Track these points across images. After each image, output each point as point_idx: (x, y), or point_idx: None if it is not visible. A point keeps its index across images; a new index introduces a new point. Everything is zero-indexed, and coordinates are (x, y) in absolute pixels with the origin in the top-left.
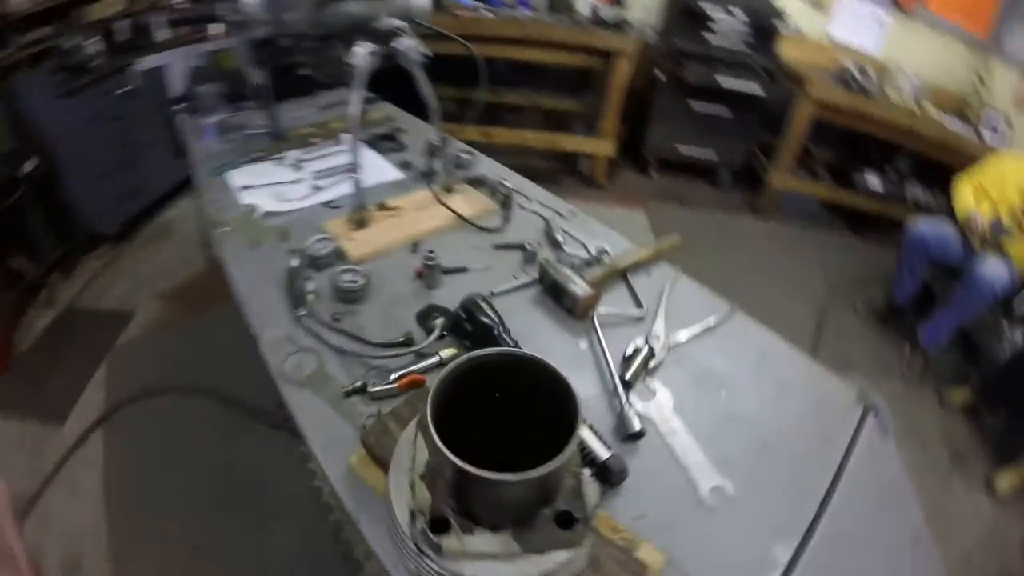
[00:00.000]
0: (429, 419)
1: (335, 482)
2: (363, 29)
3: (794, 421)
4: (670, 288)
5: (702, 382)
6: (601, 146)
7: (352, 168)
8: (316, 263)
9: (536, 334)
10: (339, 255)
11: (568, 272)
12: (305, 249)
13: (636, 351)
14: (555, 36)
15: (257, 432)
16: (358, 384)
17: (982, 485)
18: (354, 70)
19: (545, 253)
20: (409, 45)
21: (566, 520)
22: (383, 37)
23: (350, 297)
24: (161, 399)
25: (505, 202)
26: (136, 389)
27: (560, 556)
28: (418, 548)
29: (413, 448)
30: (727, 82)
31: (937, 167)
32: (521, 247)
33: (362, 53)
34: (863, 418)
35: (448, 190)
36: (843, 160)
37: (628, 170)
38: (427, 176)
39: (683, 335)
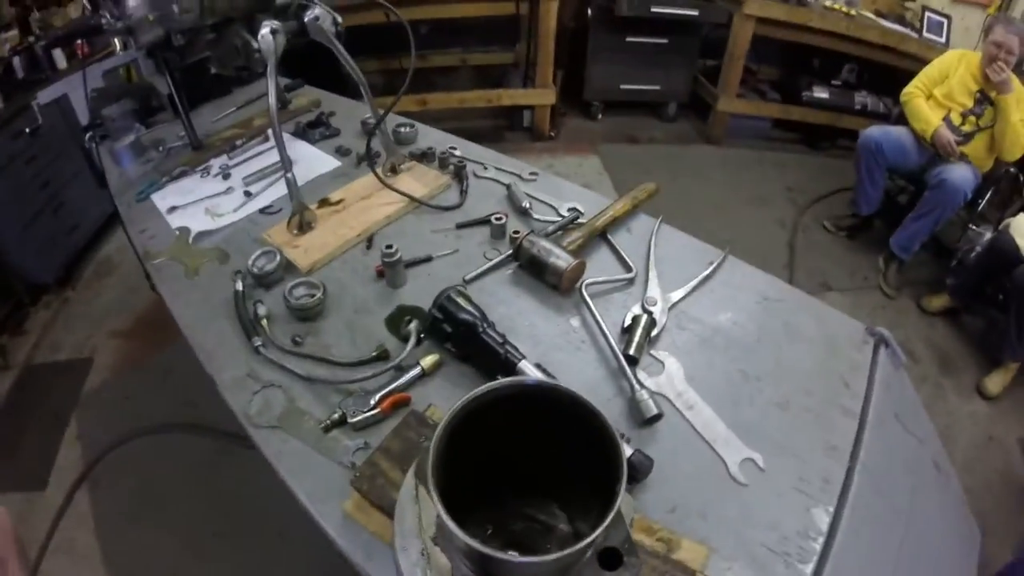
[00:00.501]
0: (434, 493)
1: (333, 534)
2: (264, 6)
3: (809, 369)
4: (655, 242)
5: (709, 342)
6: (542, 96)
7: (283, 165)
8: (263, 282)
9: (522, 320)
10: (287, 268)
11: (545, 244)
12: (248, 268)
13: (635, 320)
14: None
15: (243, 456)
16: (336, 416)
17: (973, 390)
18: (263, 54)
19: (514, 224)
20: (321, 15)
21: (613, 559)
22: (289, 12)
23: (308, 314)
24: (138, 441)
25: (459, 173)
26: (110, 438)
27: None
28: None
29: (416, 505)
30: (661, 10)
31: (882, 72)
32: (486, 221)
33: (268, 33)
34: (875, 353)
35: (394, 171)
36: (788, 76)
37: (573, 116)
38: (368, 159)
39: (679, 293)
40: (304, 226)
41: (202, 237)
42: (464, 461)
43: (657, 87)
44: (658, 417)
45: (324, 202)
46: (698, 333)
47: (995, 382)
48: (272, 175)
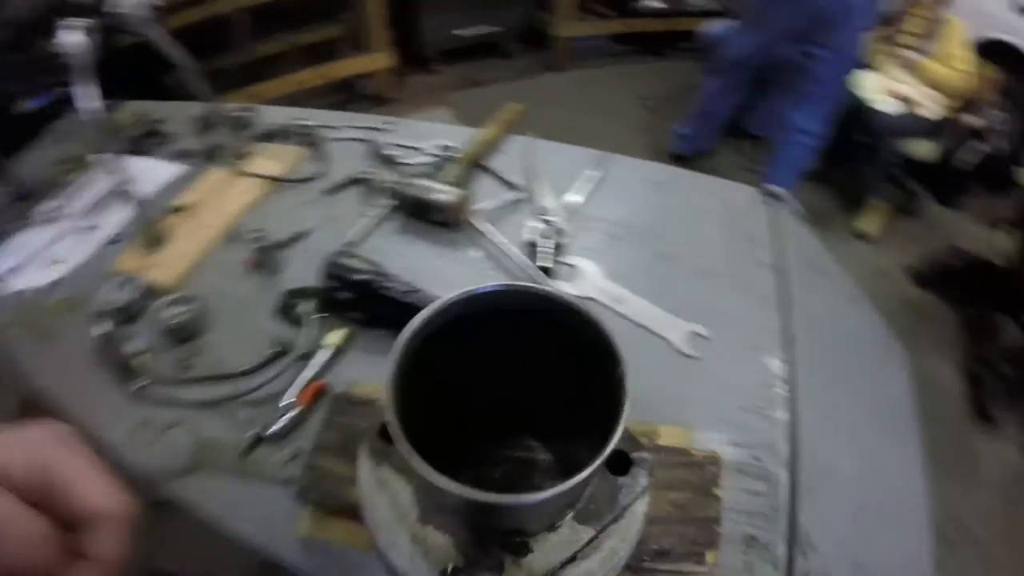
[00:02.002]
0: (415, 458)
1: (297, 563)
2: (62, 8)
3: (717, 237)
4: (534, 157)
5: (617, 237)
6: (378, 60)
7: (118, 184)
8: (125, 316)
9: (421, 265)
10: (149, 292)
11: (424, 183)
12: (106, 305)
13: (535, 233)
14: None
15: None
16: (252, 434)
17: (850, 236)
18: (72, 59)
19: (384, 175)
20: (131, 2)
21: (621, 463)
22: (92, 9)
23: (187, 333)
24: None
25: (312, 142)
26: None
27: (638, 509)
28: None
29: (384, 492)
30: None
31: None
32: (354, 181)
33: (74, 34)
34: (773, 208)
35: (241, 157)
36: None
37: (414, 74)
38: (212, 153)
39: (575, 197)
40: (156, 241)
41: (47, 291)
42: (421, 410)
43: (493, 27)
44: None
45: (175, 210)
46: (604, 231)
47: (869, 222)
48: (111, 202)
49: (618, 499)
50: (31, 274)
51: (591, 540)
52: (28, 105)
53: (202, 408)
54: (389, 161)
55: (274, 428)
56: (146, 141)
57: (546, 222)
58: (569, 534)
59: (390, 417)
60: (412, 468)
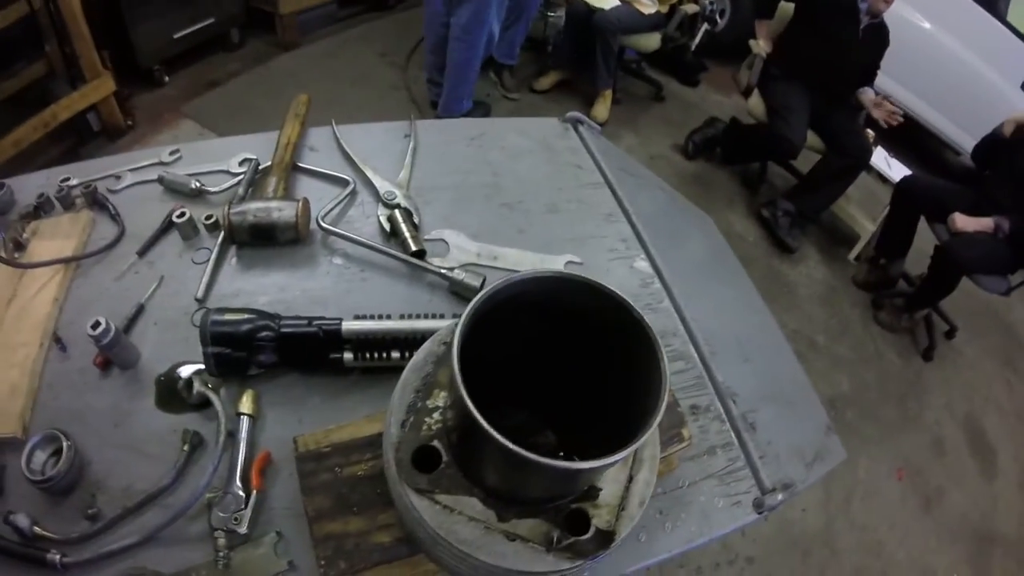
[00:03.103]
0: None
1: None
2: None
3: (546, 172)
4: (346, 143)
5: (461, 198)
6: (98, 88)
7: None
8: None
9: (290, 294)
10: None
11: (255, 205)
12: None
13: (390, 219)
14: None
15: None
16: (221, 542)
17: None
18: None
19: (200, 211)
20: None
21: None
22: None
23: (72, 477)
24: None
25: (95, 201)
26: None
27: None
28: (594, 556)
29: (450, 514)
30: None
31: None
32: (168, 227)
33: None
34: (579, 132)
35: (19, 246)
36: None
37: (141, 93)
38: None
39: (403, 174)
40: None
41: None
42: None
43: (211, 19)
44: (484, 282)
45: None
46: (446, 197)
47: (599, 110)
48: None
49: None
50: None
51: (634, 458)
52: None
53: (142, 549)
54: (197, 194)
55: (242, 528)
56: None
57: (392, 206)
58: (617, 464)
59: (466, 398)
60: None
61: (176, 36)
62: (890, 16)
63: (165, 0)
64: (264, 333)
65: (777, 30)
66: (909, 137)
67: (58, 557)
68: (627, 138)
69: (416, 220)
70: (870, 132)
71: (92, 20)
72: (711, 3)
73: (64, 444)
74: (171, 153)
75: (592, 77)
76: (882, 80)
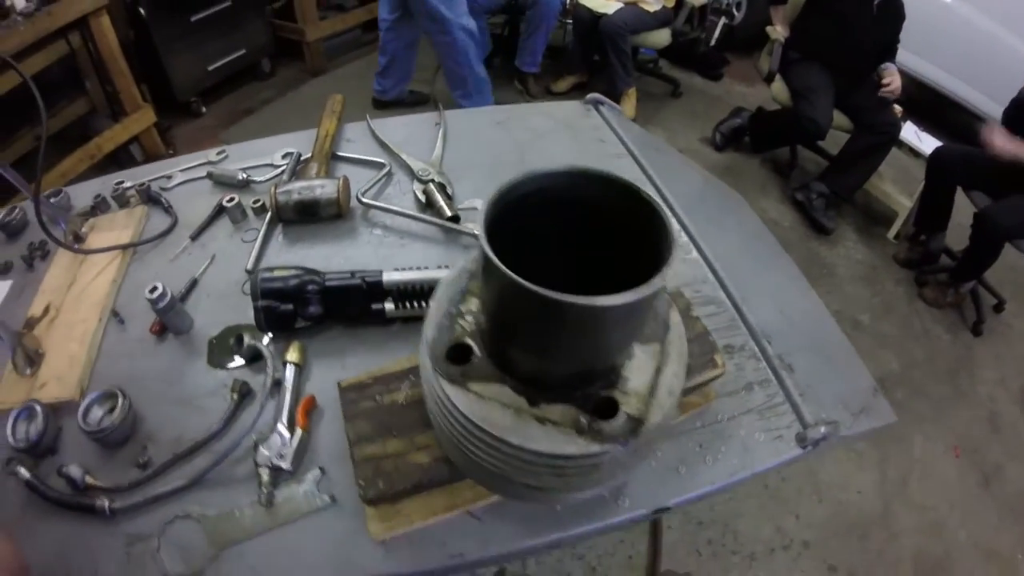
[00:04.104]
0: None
1: (394, 572)
2: None
3: (570, 147)
4: (381, 131)
5: (492, 174)
6: (139, 120)
7: None
8: (43, 449)
9: (333, 260)
10: (53, 411)
11: (299, 184)
12: (14, 449)
13: (426, 192)
14: (16, 43)
15: None
16: (266, 479)
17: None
18: None
19: (247, 199)
20: None
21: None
22: None
23: (125, 429)
24: None
25: (149, 197)
26: None
27: (674, 317)
28: (623, 444)
29: (484, 402)
30: None
31: None
32: (218, 213)
33: None
34: (600, 113)
35: (78, 239)
36: None
37: (182, 123)
38: (41, 248)
39: (436, 152)
40: (34, 357)
41: None
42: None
43: (242, 51)
44: None
45: (30, 322)
46: (479, 173)
47: (626, 109)
48: None
49: (658, 315)
50: None
51: (662, 351)
52: None
53: (188, 492)
54: (243, 185)
55: (286, 463)
56: None
57: (426, 180)
58: (644, 356)
59: (488, 249)
60: (494, 379)
61: (210, 68)
62: None
63: (198, 35)
64: (310, 286)
65: (792, 14)
66: (937, 110)
67: (107, 503)
68: (655, 135)
69: (450, 192)
70: (897, 107)
71: (130, 57)
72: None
73: (119, 399)
74: (218, 153)
75: (610, 79)
76: (903, 55)
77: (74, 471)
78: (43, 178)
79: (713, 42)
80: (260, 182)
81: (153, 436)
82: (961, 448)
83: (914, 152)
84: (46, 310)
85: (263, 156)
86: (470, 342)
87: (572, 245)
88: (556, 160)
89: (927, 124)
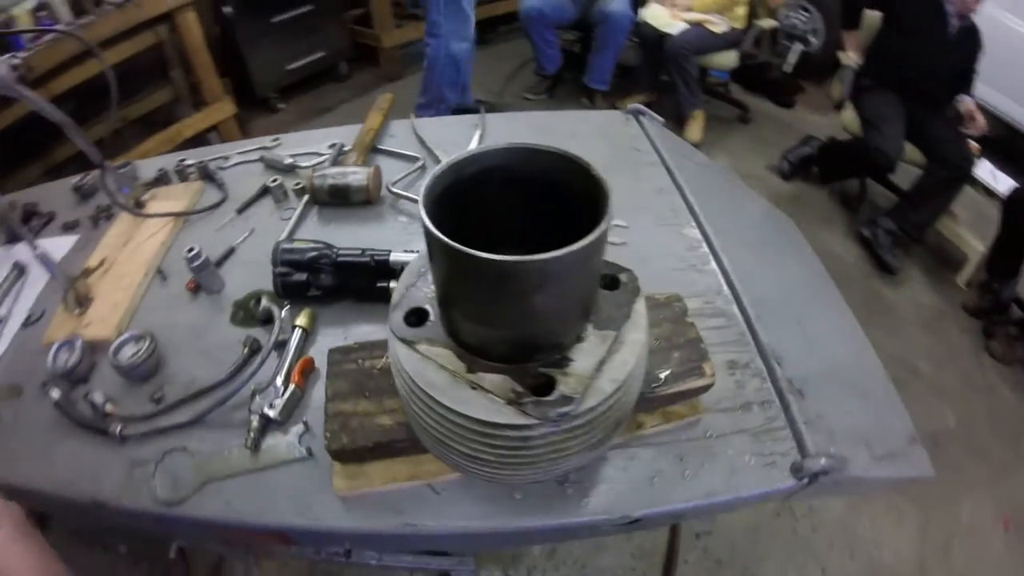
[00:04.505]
0: (444, 240)
1: (348, 529)
2: None
3: (605, 152)
4: (421, 131)
5: None
6: (219, 111)
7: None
8: (77, 376)
9: (354, 239)
10: (92, 348)
11: (334, 170)
12: (51, 375)
13: None
14: (109, 30)
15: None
16: (255, 425)
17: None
18: None
19: (289, 182)
20: None
21: (612, 282)
22: None
23: (148, 367)
24: None
25: (205, 174)
26: None
27: (639, 307)
28: (555, 423)
29: (428, 363)
30: None
31: None
32: (263, 192)
33: None
34: (640, 122)
35: (139, 205)
36: None
37: (257, 117)
38: (107, 210)
39: (474, 146)
40: (83, 300)
41: None
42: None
43: (321, 53)
44: None
45: (86, 272)
46: None
47: (693, 131)
48: (11, 288)
49: (621, 304)
50: None
51: (615, 338)
52: None
53: (189, 428)
54: (289, 169)
55: (275, 412)
56: (28, 225)
57: None
58: (596, 340)
59: (428, 221)
60: (450, 326)
61: (289, 68)
62: (985, 20)
63: (278, 36)
64: (323, 260)
65: (866, 40)
66: (1015, 148)
67: (119, 429)
68: (719, 159)
69: None
70: (972, 143)
71: (214, 51)
72: (803, 23)
73: (147, 342)
74: (273, 140)
75: (676, 100)
76: (981, 88)
77: (97, 397)
78: (125, 155)
79: (788, 68)
80: (304, 167)
81: (171, 378)
82: (1013, 520)
83: (989, 192)
84: (101, 262)
85: (312, 145)
86: (428, 308)
87: (531, 223)
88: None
89: (1004, 163)
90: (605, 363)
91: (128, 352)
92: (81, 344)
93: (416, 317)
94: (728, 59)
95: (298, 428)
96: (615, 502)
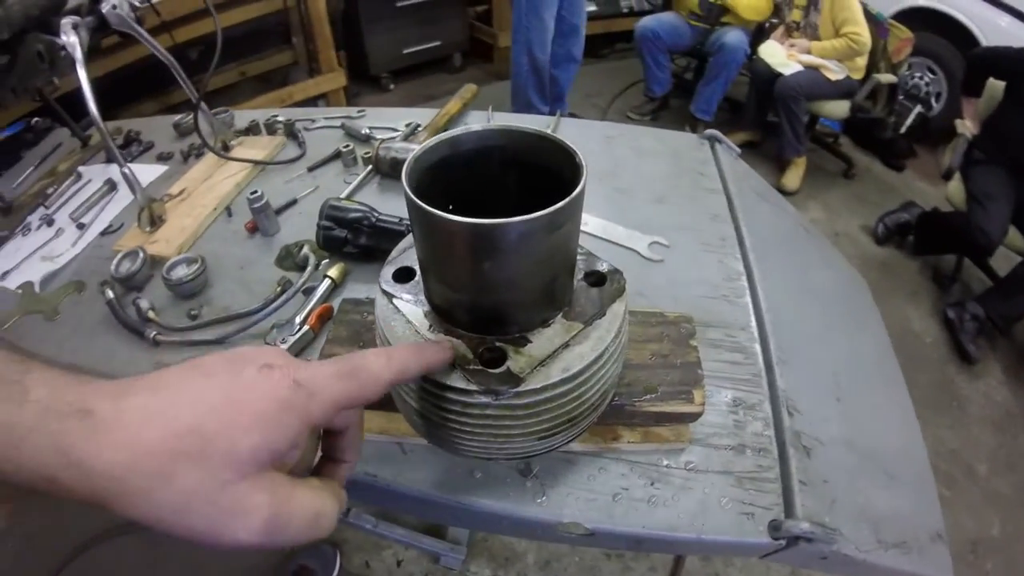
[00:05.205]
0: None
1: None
2: (57, 8)
3: (668, 172)
4: (490, 120)
5: None
6: (331, 81)
7: (105, 186)
8: (132, 283)
9: (401, 211)
10: (152, 262)
11: (400, 145)
12: (112, 276)
13: None
14: None
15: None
16: None
17: (805, 203)
18: (69, 50)
19: (361, 149)
20: (118, 2)
21: (598, 278)
22: (83, 9)
23: (194, 287)
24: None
25: (290, 131)
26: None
27: (617, 309)
28: (494, 396)
29: (398, 315)
30: None
31: None
32: (336, 155)
33: (71, 28)
34: (714, 150)
35: (225, 148)
36: None
37: (367, 94)
38: (195, 150)
39: None
40: (156, 220)
41: (49, 281)
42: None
43: (438, 42)
44: None
45: (166, 197)
46: None
47: (790, 178)
48: (100, 200)
49: (600, 302)
50: (28, 272)
51: (580, 331)
52: (2, 133)
53: (213, 345)
54: (365, 139)
55: (287, 345)
56: (127, 149)
57: None
58: (561, 328)
59: (408, 186)
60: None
61: (405, 51)
62: None
63: (400, 20)
64: (364, 221)
65: (985, 111)
66: None
67: (154, 334)
68: (814, 210)
69: None
70: None
71: (335, 25)
72: (926, 84)
73: (199, 264)
74: (358, 111)
75: (779, 143)
76: None
77: (144, 304)
78: (237, 106)
79: (903, 129)
80: (378, 139)
81: (210, 300)
82: None
83: None
84: (181, 192)
85: (392, 121)
86: (415, 268)
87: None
88: (645, 179)
89: None
90: (561, 352)
91: (180, 271)
92: (143, 257)
93: (403, 274)
94: (839, 109)
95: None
96: (572, 508)
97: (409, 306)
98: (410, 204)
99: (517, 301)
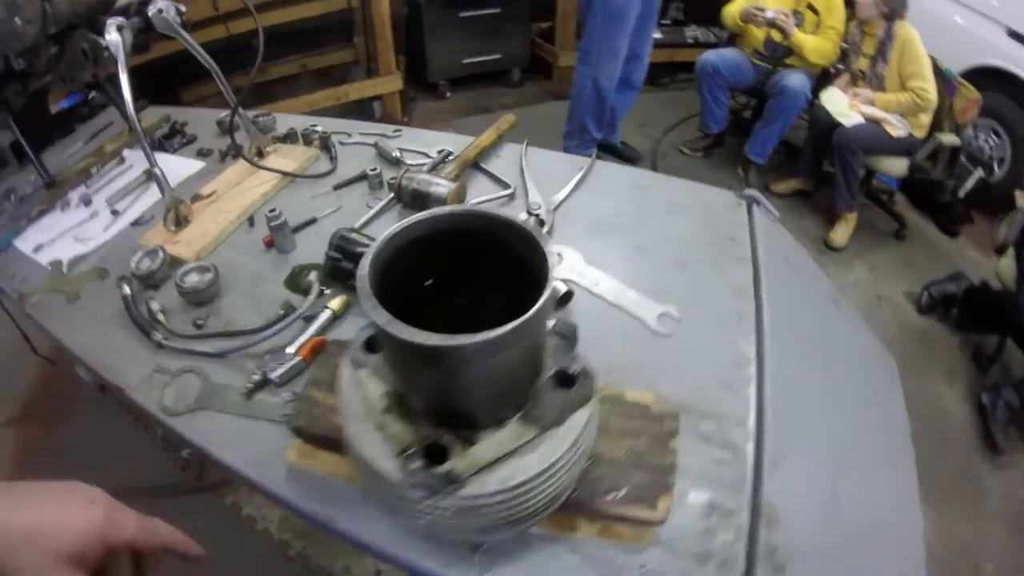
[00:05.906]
0: (372, 291)
1: (280, 491)
2: (105, 8)
3: (695, 233)
4: (525, 160)
5: (598, 230)
6: (388, 83)
7: (144, 174)
8: (150, 281)
9: None
10: (172, 263)
11: (424, 177)
12: (132, 272)
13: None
14: None
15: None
16: (256, 378)
17: (851, 263)
18: (112, 51)
19: (389, 174)
20: (164, 7)
21: (565, 379)
22: (131, 10)
23: (204, 296)
24: None
25: (325, 144)
26: None
27: (579, 418)
28: (426, 492)
29: (358, 390)
30: None
31: (706, 4)
32: (362, 177)
33: (115, 29)
34: (750, 212)
35: (260, 154)
36: None
37: (423, 100)
38: (232, 151)
39: (560, 195)
40: (181, 221)
41: (76, 263)
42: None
43: (498, 55)
44: (569, 295)
45: (196, 197)
46: (586, 224)
47: (839, 234)
48: (136, 189)
49: (563, 406)
50: (62, 249)
51: (532, 439)
52: (60, 104)
53: (212, 358)
54: (395, 162)
55: (275, 375)
56: (170, 140)
57: (532, 214)
58: (513, 432)
59: (365, 284)
60: (384, 367)
61: (464, 61)
62: None
63: (462, 30)
64: None
65: None
66: None
67: (160, 337)
68: (858, 270)
69: (544, 231)
70: None
71: (397, 29)
72: (990, 148)
73: (211, 274)
74: (394, 131)
75: (831, 195)
76: None
77: (154, 305)
78: (293, 99)
79: (962, 193)
80: (408, 164)
81: (218, 312)
82: None
83: None
84: (211, 194)
85: (427, 145)
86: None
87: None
88: (669, 239)
89: None
90: (507, 459)
91: (192, 279)
92: (163, 257)
93: (370, 344)
94: (898, 166)
95: (286, 396)
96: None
97: (370, 381)
98: (362, 296)
99: (467, 403)
